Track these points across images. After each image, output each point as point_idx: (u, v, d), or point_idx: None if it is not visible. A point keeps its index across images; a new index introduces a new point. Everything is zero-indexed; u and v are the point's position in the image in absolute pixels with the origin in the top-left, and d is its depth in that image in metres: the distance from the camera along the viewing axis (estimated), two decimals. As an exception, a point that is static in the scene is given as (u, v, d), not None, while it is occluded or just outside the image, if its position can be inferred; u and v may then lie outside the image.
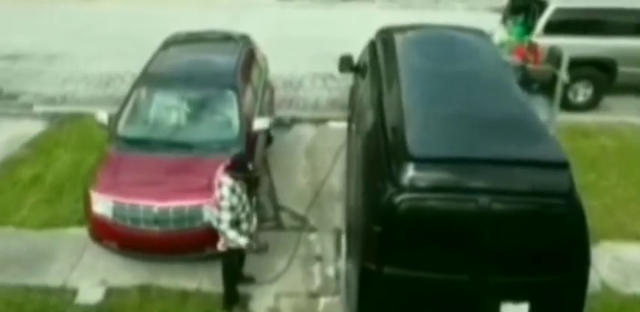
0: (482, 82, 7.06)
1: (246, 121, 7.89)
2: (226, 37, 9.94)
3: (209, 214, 6.54)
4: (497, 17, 12.31)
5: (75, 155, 9.21)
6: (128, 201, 6.90)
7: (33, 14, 15.42)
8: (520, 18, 11.59)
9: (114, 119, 7.93)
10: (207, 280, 7.02)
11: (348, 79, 10.13)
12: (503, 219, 5.40)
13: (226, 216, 6.11)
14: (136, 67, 8.98)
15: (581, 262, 5.57)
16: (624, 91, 11.26)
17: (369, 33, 9.21)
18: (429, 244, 5.54)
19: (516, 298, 5.62)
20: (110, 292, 6.92)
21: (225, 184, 6.09)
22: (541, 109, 7.98)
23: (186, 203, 6.84)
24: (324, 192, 8.53)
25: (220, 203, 6.09)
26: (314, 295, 6.97)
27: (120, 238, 6.99)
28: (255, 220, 6.58)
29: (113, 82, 11.94)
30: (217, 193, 6.12)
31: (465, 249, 5.48)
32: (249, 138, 7.84)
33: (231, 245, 6.28)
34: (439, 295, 5.65)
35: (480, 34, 8.95)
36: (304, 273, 7.27)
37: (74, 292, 6.92)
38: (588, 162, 9.06)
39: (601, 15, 10.69)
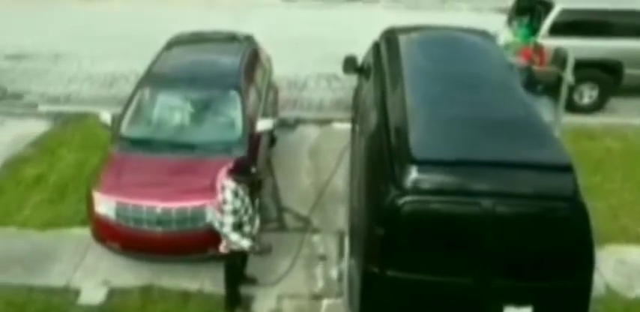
0: (487, 84, 7.02)
1: (250, 121, 7.88)
2: (230, 38, 9.91)
3: (212, 215, 6.54)
4: (503, 18, 12.25)
5: (78, 155, 9.22)
6: (131, 201, 6.89)
7: (34, 14, 15.44)
8: (525, 19, 11.51)
9: (117, 120, 7.92)
10: (209, 281, 7.01)
11: (352, 80, 10.11)
12: (507, 222, 5.36)
13: (229, 219, 6.09)
14: (140, 67, 8.98)
15: (586, 266, 5.52)
16: (630, 93, 11.20)
17: (373, 33, 9.19)
18: (431, 247, 5.50)
19: (520, 302, 5.57)
20: (112, 293, 6.92)
21: (228, 187, 6.07)
22: (546, 110, 7.94)
23: (189, 204, 6.83)
24: (328, 193, 8.51)
25: (223, 207, 6.07)
26: (317, 297, 6.95)
27: (122, 239, 6.98)
28: (257, 222, 6.58)
29: (117, 82, 11.96)
30: (220, 197, 6.10)
31: (468, 252, 5.44)
32: (253, 139, 7.82)
33: (234, 248, 6.27)
34: (442, 298, 5.62)
35: (484, 35, 8.92)
36: (307, 274, 7.25)
37: (77, 293, 6.93)
38: (593, 164, 9.01)
39: (607, 16, 10.61)
